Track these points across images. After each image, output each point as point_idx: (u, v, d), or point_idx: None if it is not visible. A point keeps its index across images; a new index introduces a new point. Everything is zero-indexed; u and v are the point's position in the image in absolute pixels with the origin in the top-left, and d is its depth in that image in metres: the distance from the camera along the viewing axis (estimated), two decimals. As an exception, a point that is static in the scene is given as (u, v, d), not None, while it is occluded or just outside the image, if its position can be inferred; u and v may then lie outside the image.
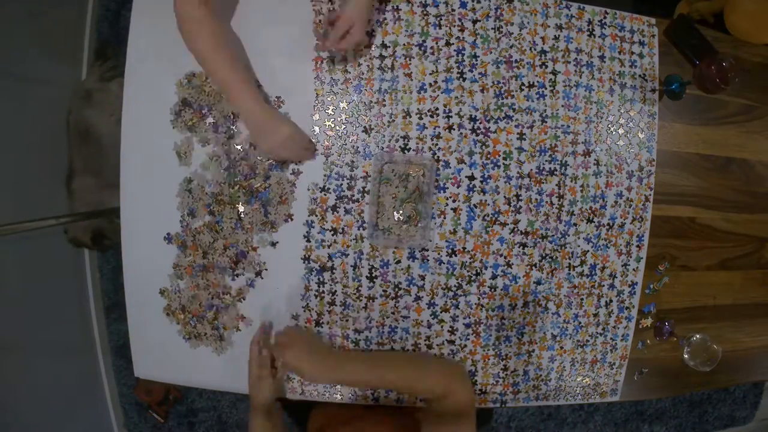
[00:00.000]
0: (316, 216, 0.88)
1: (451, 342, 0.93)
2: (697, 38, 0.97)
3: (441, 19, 0.88)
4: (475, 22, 0.89)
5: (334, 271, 0.90)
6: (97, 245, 1.51)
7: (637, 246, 0.97)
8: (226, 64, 0.76)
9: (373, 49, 0.88)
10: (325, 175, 0.88)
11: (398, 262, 0.90)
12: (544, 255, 0.93)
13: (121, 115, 0.87)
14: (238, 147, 0.87)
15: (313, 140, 0.87)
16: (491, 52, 0.89)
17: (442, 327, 0.93)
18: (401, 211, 0.87)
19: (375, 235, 0.88)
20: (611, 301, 0.98)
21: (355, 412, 0.89)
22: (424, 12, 0.88)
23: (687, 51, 0.97)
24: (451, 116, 0.89)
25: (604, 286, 0.97)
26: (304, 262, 0.89)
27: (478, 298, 0.93)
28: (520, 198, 0.91)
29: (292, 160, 0.87)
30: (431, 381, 0.82)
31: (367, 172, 0.88)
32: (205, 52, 0.76)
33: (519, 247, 0.92)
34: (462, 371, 0.91)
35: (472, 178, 0.90)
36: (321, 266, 0.89)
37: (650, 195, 0.96)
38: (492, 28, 0.89)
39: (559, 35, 0.92)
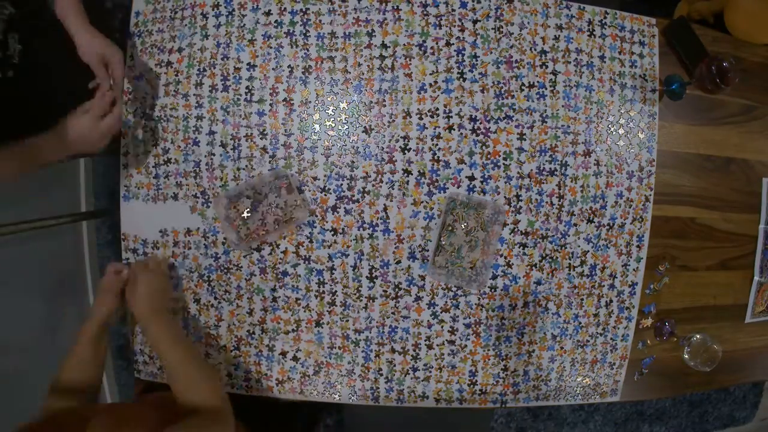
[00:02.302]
0: (317, 216, 0.88)
1: (451, 342, 0.93)
2: (693, 42, 0.97)
3: (441, 19, 0.88)
4: (475, 22, 0.89)
5: (334, 271, 0.90)
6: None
7: (637, 246, 0.97)
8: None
9: (373, 49, 0.88)
10: (325, 176, 0.88)
11: (398, 262, 0.90)
12: (544, 255, 0.93)
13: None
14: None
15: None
16: (491, 52, 0.89)
17: (442, 327, 0.93)
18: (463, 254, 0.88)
19: (431, 270, 0.89)
20: (611, 301, 0.98)
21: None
22: (424, 12, 0.88)
23: (682, 54, 0.97)
24: (451, 116, 0.89)
25: (604, 286, 0.97)
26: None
27: (478, 299, 0.93)
28: (521, 198, 0.91)
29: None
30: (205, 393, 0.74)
31: (367, 173, 0.88)
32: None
33: (519, 248, 0.92)
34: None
35: (472, 178, 0.90)
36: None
37: (650, 195, 0.96)
38: (492, 28, 0.89)
39: (559, 35, 0.92)
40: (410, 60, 0.88)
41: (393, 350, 0.93)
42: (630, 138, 0.95)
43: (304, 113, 0.88)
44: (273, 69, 0.87)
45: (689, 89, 0.96)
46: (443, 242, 0.88)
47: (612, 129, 0.94)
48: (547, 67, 0.91)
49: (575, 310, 0.96)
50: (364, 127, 0.88)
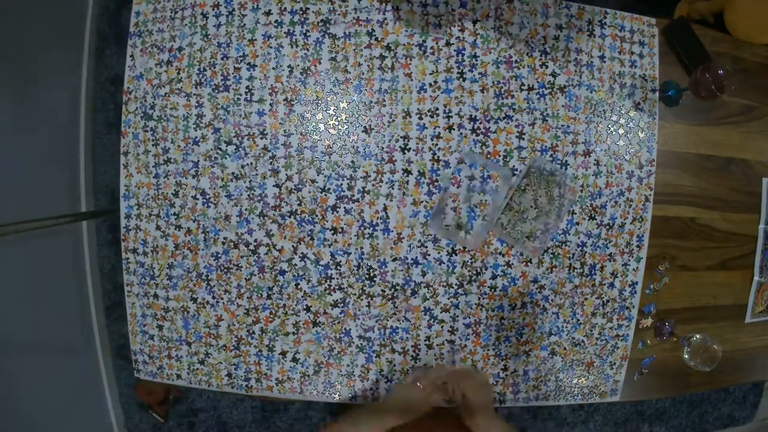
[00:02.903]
0: (317, 215, 0.89)
1: (451, 342, 0.93)
2: (693, 41, 0.97)
3: (441, 19, 0.88)
4: (475, 22, 0.89)
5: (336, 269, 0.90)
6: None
7: (637, 246, 0.97)
8: None
9: (373, 48, 0.88)
10: (325, 175, 0.88)
11: (398, 261, 0.90)
12: (545, 250, 0.93)
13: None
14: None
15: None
16: (491, 52, 0.89)
17: (442, 327, 0.93)
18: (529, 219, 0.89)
19: (490, 228, 0.89)
20: (611, 300, 0.98)
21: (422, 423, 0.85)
22: (424, 12, 0.88)
23: (682, 54, 0.97)
24: (451, 116, 0.89)
25: (604, 285, 0.97)
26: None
27: (479, 298, 0.93)
28: (520, 198, 0.91)
29: None
30: None
31: (367, 172, 0.88)
32: None
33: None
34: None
35: (472, 178, 0.90)
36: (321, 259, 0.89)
37: (650, 195, 0.96)
38: (492, 28, 0.89)
39: (559, 35, 0.92)
40: (410, 60, 0.88)
41: (393, 350, 0.93)
42: (630, 138, 0.95)
43: (304, 113, 0.88)
44: (273, 69, 0.87)
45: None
46: (512, 203, 0.88)
47: (612, 129, 0.94)
48: (547, 67, 0.91)
49: (575, 310, 0.96)
50: (364, 126, 0.88)
